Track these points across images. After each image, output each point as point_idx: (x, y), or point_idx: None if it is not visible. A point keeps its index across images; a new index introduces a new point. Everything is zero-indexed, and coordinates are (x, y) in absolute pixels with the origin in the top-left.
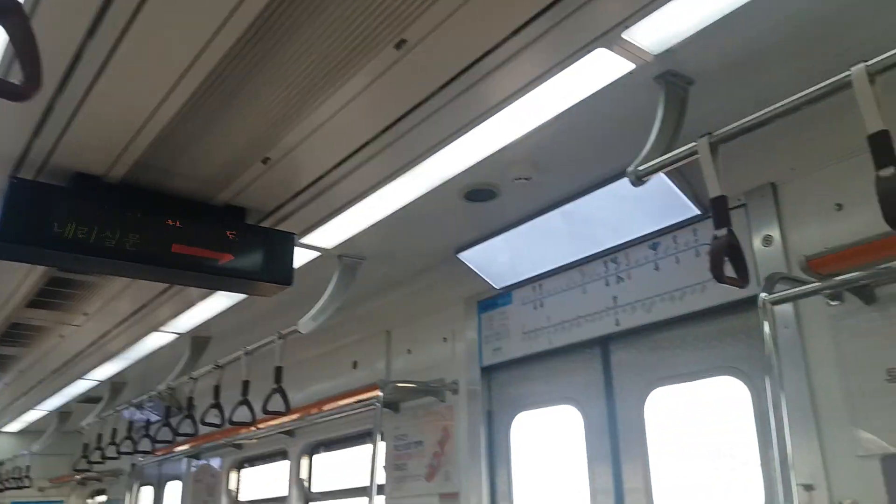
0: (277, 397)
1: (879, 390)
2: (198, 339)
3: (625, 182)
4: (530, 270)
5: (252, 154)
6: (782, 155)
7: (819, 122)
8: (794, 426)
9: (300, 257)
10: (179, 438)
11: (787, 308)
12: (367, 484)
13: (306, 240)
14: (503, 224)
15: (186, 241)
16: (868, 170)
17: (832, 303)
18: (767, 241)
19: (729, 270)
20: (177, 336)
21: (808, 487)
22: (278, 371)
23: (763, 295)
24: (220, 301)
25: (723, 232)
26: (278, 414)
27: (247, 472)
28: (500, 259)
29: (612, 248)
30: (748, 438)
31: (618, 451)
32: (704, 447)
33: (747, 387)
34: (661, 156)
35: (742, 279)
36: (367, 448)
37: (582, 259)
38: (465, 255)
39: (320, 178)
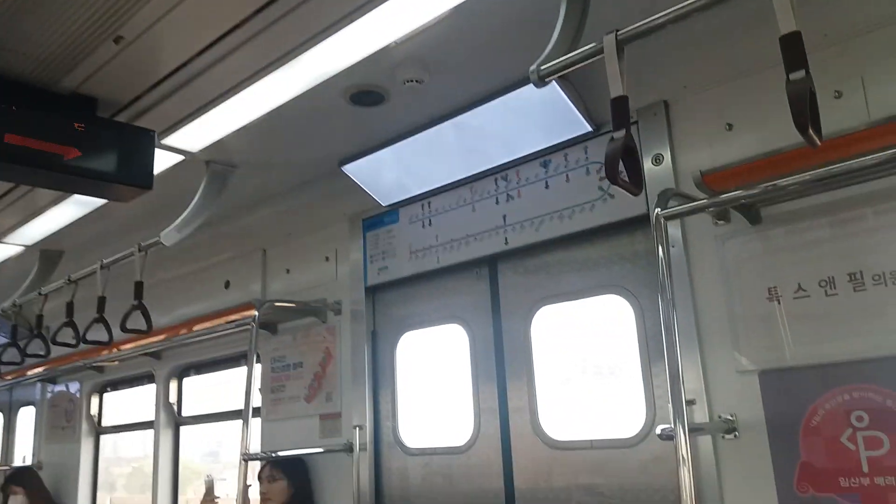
0: (138, 315)
1: (759, 309)
2: (48, 253)
3: (519, 94)
4: (419, 187)
5: (100, 31)
6: (675, 73)
7: (712, 41)
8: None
9: (162, 161)
10: (31, 361)
11: (674, 230)
12: (242, 407)
13: (168, 140)
14: (391, 134)
15: (22, 130)
16: (759, 91)
17: (719, 223)
18: (658, 160)
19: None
20: (23, 249)
21: (690, 402)
22: (139, 287)
23: (657, 210)
24: (71, 209)
25: (621, 134)
26: (139, 333)
27: (111, 397)
28: (387, 174)
29: (503, 164)
30: (632, 356)
31: (503, 370)
32: (589, 365)
33: (632, 305)
34: (565, 55)
35: (636, 185)
36: (242, 371)
37: (472, 176)
38: (349, 168)
39: (182, 66)
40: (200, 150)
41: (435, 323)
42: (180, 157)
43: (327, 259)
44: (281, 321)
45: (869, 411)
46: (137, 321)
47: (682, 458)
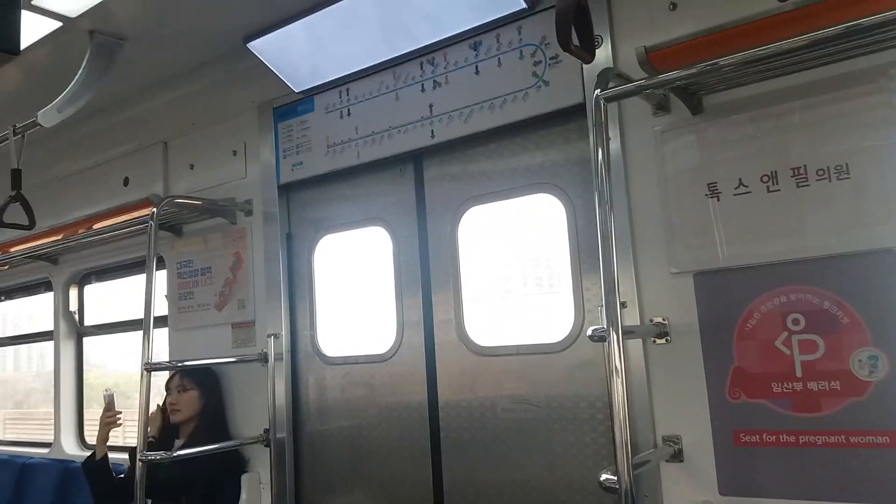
0: (18, 209)
1: (698, 207)
2: None
3: None
4: (336, 71)
5: None
6: None
7: None
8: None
9: (36, 27)
10: None
11: (612, 124)
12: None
13: (39, 0)
14: (302, 5)
15: None
16: None
17: (658, 113)
18: (597, 42)
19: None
20: None
21: (622, 305)
22: (16, 175)
23: (597, 91)
24: None
25: None
26: (20, 228)
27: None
28: (299, 54)
29: (429, 46)
30: (563, 259)
31: (428, 275)
32: (519, 269)
33: (564, 205)
34: None
35: (588, 51)
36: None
37: (395, 59)
38: (256, 46)
39: None
40: (80, 16)
41: (355, 225)
42: (57, 24)
43: (235, 153)
44: (186, 222)
45: (806, 314)
46: (17, 215)
47: (615, 362)
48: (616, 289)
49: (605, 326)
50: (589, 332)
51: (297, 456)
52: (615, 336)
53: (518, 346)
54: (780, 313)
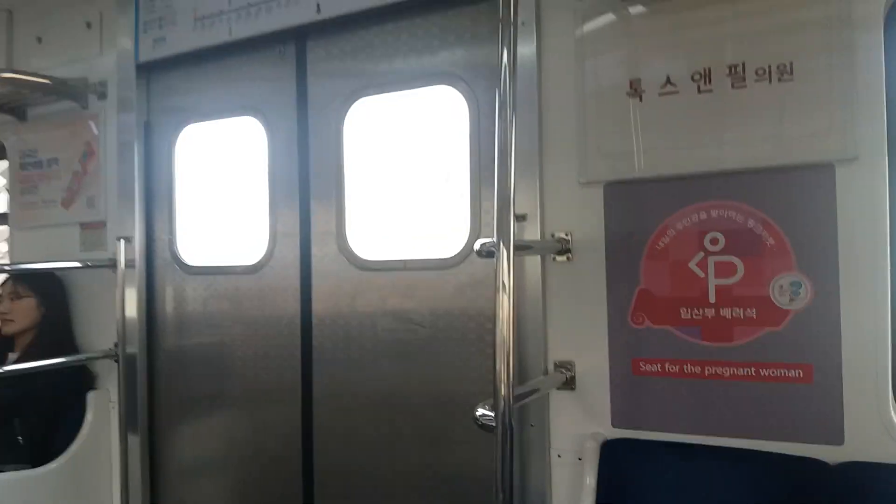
0: None
1: (617, 107)
2: None
3: None
4: None
5: None
6: None
7: None
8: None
9: None
10: None
11: (525, 5)
12: None
13: None
14: None
15: None
16: None
17: None
18: None
19: None
20: None
21: (520, 218)
22: None
23: None
24: None
25: None
26: None
27: None
28: None
29: None
30: (462, 160)
31: (307, 175)
32: (413, 173)
33: (467, 101)
34: None
35: None
36: None
37: None
38: None
39: None
40: None
41: (225, 114)
42: None
43: (89, 26)
44: (31, 105)
45: (727, 233)
46: None
47: (502, 278)
48: (511, 199)
49: (494, 240)
50: (477, 246)
51: (151, 373)
52: (505, 252)
53: (405, 261)
54: (697, 231)
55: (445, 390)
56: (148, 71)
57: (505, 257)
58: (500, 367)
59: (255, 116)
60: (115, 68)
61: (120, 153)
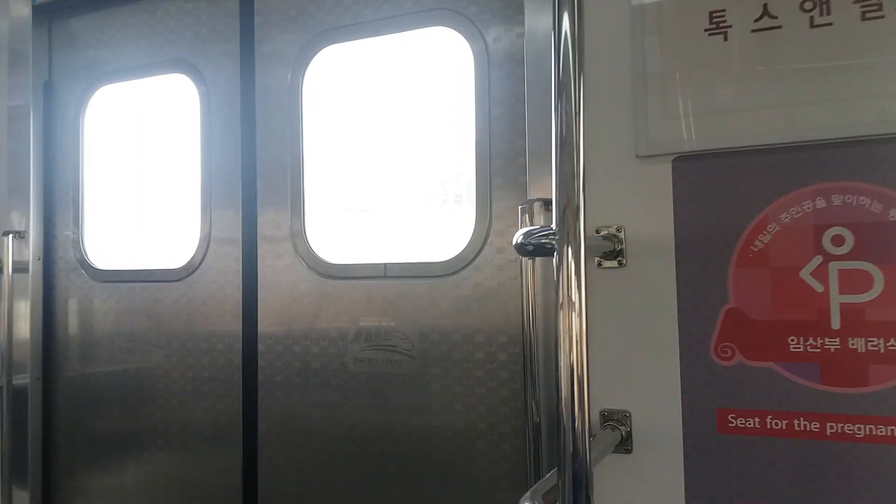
0: None
1: (692, 50)
2: None
3: None
4: None
5: None
6: None
7: None
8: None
9: None
10: None
11: None
12: None
13: None
14: None
15: None
16: None
17: None
18: None
19: None
20: None
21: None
22: None
23: None
24: None
25: None
26: None
27: None
28: None
29: None
30: (467, 139)
31: (253, 150)
32: (395, 147)
33: (470, 45)
34: None
35: None
36: None
37: None
38: None
39: None
40: None
41: (148, 72)
42: None
43: None
44: None
45: (856, 228)
46: None
47: (568, 292)
48: (580, 177)
49: (554, 230)
50: (518, 238)
51: (47, 408)
52: (570, 253)
53: (386, 266)
54: (812, 226)
55: (439, 443)
56: (48, 15)
57: (571, 261)
58: (566, 435)
59: (186, 74)
60: (7, 11)
61: (11, 121)
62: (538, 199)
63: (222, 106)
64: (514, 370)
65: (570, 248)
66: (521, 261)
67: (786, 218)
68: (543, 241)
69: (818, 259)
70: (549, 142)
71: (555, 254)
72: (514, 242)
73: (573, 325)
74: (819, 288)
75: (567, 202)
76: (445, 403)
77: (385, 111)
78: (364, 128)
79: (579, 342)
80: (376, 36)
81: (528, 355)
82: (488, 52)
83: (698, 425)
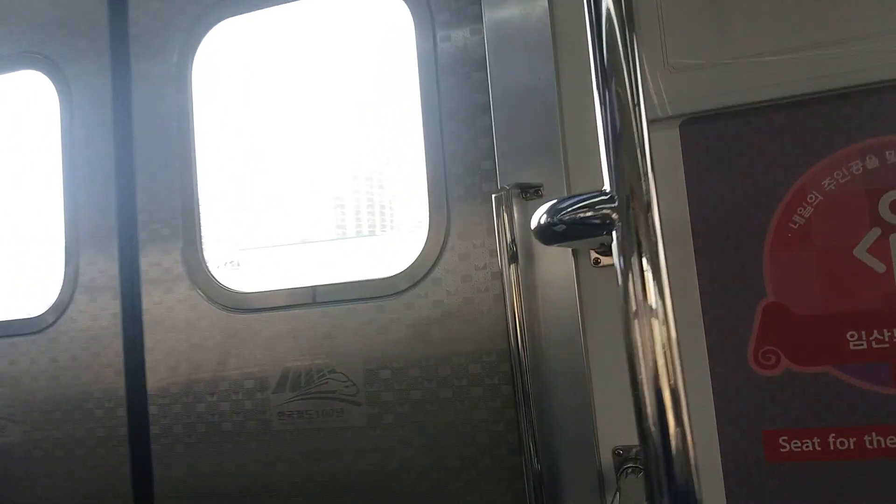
0: None
1: None
2: None
3: None
4: None
5: None
6: None
7: None
8: None
9: None
10: None
11: None
12: None
13: None
14: None
15: None
16: None
17: None
18: None
19: None
20: None
21: (530, 191)
22: None
23: None
24: None
25: None
26: None
27: None
28: None
29: None
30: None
31: (131, 162)
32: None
33: (411, 9)
34: None
35: None
36: None
37: None
38: None
39: None
40: None
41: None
42: None
43: None
44: None
45: None
46: None
47: (645, 298)
48: (647, 160)
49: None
50: (541, 218)
51: None
52: (643, 252)
53: (315, 289)
54: (864, 190)
55: None
56: None
57: (648, 267)
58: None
59: (41, 69)
60: None
61: None
62: (515, 186)
63: (89, 102)
64: (493, 407)
65: (644, 250)
66: (503, 265)
67: (829, 185)
68: (590, 214)
69: (876, 231)
70: (520, 111)
71: (615, 256)
72: (535, 224)
73: (657, 335)
74: (880, 268)
75: (631, 194)
76: (406, 461)
77: (304, 90)
78: (278, 114)
79: (670, 355)
80: (282, 4)
81: (520, 386)
82: (433, 19)
83: (741, 454)
